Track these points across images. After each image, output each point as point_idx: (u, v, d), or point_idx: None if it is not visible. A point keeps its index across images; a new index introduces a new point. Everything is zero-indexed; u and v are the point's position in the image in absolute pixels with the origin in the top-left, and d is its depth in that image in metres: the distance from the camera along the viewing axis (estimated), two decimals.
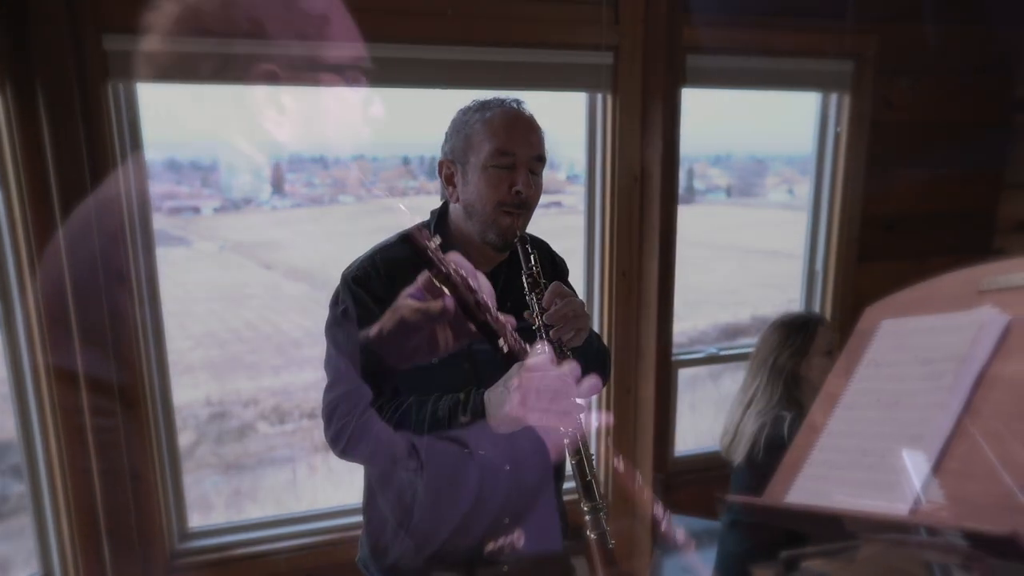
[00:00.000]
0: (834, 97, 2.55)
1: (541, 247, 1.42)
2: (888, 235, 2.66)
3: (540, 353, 0.93)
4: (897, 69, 2.50)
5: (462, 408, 1.06)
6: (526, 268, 1.19)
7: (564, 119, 2.37)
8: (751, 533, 1.79)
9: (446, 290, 0.87)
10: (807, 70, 2.44)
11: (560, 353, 1.12)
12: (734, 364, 2.67)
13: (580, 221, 2.41)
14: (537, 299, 1.16)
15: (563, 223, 2.85)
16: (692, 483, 2.52)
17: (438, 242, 0.89)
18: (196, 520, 2.20)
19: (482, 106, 1.26)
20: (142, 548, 1.98)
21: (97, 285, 1.80)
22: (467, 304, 0.88)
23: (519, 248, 1.21)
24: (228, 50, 1.82)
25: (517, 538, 0.95)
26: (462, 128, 1.25)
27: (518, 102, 1.28)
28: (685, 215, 2.29)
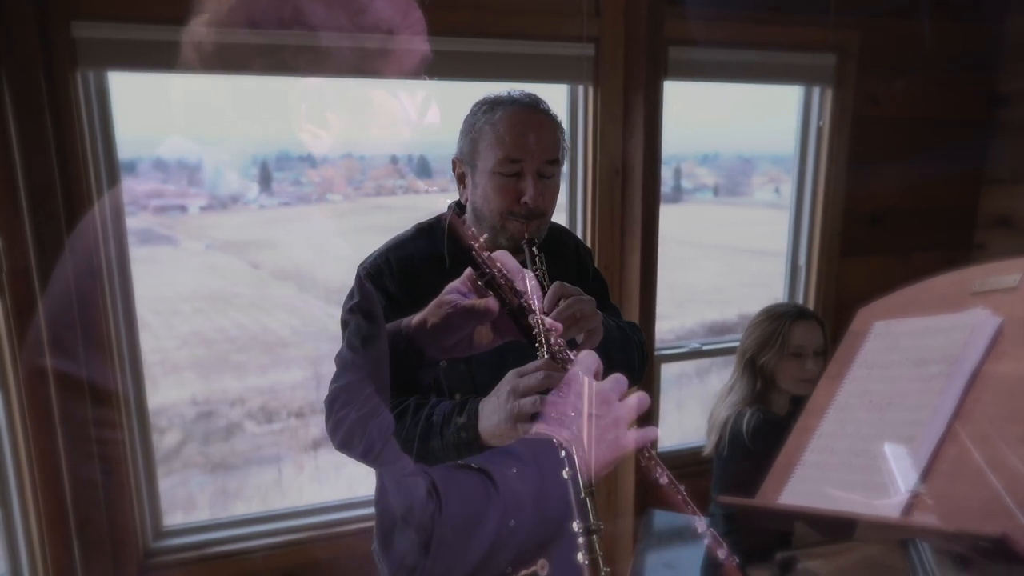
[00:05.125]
0: (816, 91, 2.55)
1: (562, 240, 1.38)
2: (870, 230, 2.66)
3: (582, 363, 0.85)
4: (879, 64, 2.50)
5: (456, 414, 1.01)
6: (531, 272, 1.11)
7: None
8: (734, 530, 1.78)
9: (490, 291, 0.87)
10: (789, 64, 2.43)
11: (560, 360, 0.95)
12: (720, 361, 2.66)
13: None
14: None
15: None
16: (677, 479, 2.50)
17: (483, 238, 0.88)
18: (183, 520, 2.17)
19: (491, 105, 1.19)
20: (113, 547, 1.94)
21: (67, 281, 1.77)
22: (511, 307, 0.87)
23: (526, 250, 1.16)
24: (216, 40, 1.78)
25: (541, 567, 0.87)
26: (469, 130, 1.20)
27: (531, 99, 1.21)
28: (673, 214, 2.28)
